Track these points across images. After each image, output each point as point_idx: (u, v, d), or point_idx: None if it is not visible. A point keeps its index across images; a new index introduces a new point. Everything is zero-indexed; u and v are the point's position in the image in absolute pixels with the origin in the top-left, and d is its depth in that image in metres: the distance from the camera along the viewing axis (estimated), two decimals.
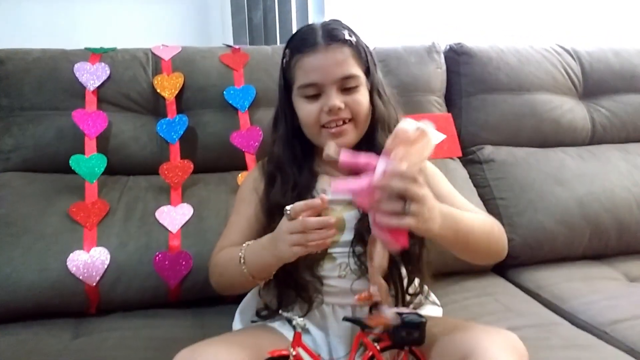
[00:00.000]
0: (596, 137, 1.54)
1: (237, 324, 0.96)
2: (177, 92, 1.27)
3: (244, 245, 0.83)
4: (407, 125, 0.71)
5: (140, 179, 1.25)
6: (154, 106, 1.29)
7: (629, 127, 1.56)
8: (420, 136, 0.70)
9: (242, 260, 0.82)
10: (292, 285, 0.86)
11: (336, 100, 0.85)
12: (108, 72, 1.26)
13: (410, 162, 0.68)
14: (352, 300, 0.82)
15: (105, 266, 1.07)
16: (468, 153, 1.46)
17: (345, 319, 0.79)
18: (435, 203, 0.72)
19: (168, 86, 1.28)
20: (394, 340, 0.73)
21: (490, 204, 1.36)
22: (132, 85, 1.28)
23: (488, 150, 1.45)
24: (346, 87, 0.86)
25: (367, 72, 0.90)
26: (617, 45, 1.63)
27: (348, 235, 0.86)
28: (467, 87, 1.49)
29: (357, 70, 0.87)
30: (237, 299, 1.01)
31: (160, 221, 1.14)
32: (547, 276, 1.27)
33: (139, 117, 1.29)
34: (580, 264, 1.32)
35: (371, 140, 0.90)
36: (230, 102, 1.28)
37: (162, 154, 1.25)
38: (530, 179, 1.38)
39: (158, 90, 1.27)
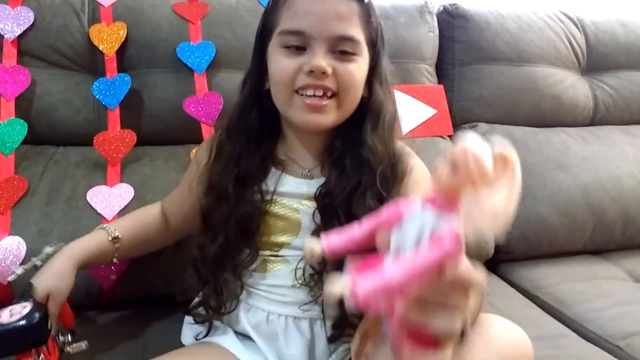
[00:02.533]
0: (598, 117, 1.41)
1: (186, 335, 0.81)
2: (118, 46, 1.04)
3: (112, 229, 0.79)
4: (476, 145, 0.35)
5: (70, 151, 1.03)
6: (90, 63, 1.07)
7: (633, 107, 1.43)
8: (504, 169, 0.37)
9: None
10: (204, 280, 0.74)
11: (322, 60, 0.65)
12: (32, 18, 1.03)
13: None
14: (308, 314, 0.71)
15: (20, 260, 0.86)
16: (460, 131, 1.29)
17: None
18: None
19: (107, 39, 1.04)
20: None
21: None
22: (62, 35, 1.05)
23: (482, 129, 1.28)
24: (340, 50, 0.66)
25: (373, 47, 0.70)
26: (624, 15, 1.49)
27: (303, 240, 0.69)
28: (461, 55, 1.32)
29: (359, 35, 0.67)
30: (186, 301, 0.82)
31: (93, 205, 0.93)
32: (546, 274, 1.14)
33: (70, 76, 1.06)
34: (581, 260, 1.20)
35: (351, 135, 0.70)
36: (185, 61, 1.06)
37: (98, 121, 1.04)
38: (529, 163, 1.22)
39: (95, 43, 1.04)
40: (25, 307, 0.63)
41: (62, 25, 1.05)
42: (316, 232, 0.70)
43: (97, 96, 1.02)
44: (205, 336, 0.75)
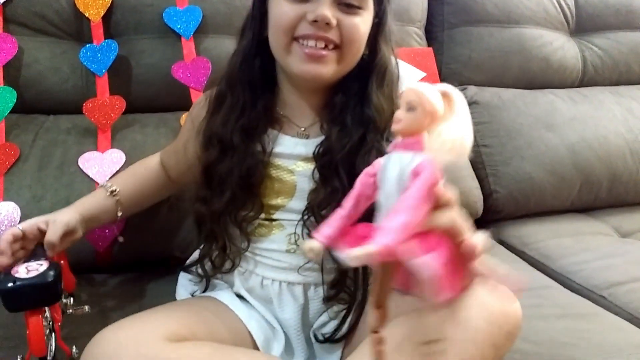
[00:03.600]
0: (587, 78, 1.41)
1: (180, 292, 0.81)
2: (104, 12, 1.04)
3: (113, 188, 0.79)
4: (423, 86, 0.41)
5: (61, 118, 1.03)
6: (76, 29, 1.06)
7: (621, 67, 1.43)
8: (449, 105, 0.42)
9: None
10: (208, 236, 0.73)
11: (328, 10, 0.62)
12: None
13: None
14: (303, 279, 0.70)
15: (16, 223, 0.87)
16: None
17: None
18: None
19: (93, 4, 1.04)
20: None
21: (473, 152, 1.15)
22: (47, 2, 1.04)
23: (471, 92, 1.29)
24: (346, 1, 0.64)
25: (379, 3, 0.69)
26: None
27: (299, 203, 0.70)
28: (450, 17, 1.32)
29: None
30: (182, 262, 0.84)
31: (85, 170, 0.94)
32: (533, 232, 1.16)
33: (57, 43, 1.05)
34: (568, 218, 1.22)
35: (353, 92, 0.69)
36: (171, 26, 1.06)
37: (87, 88, 1.04)
38: (517, 123, 1.24)
39: (81, 10, 1.03)
40: (41, 264, 0.63)
41: None
42: (314, 192, 0.68)
43: (85, 63, 1.02)
44: (203, 292, 0.75)
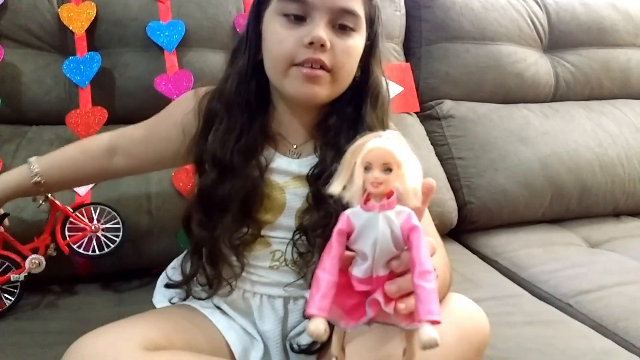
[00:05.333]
0: (559, 93, 1.46)
1: (157, 299, 0.82)
2: (87, 25, 1.06)
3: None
4: (393, 147, 0.41)
5: (43, 129, 1.04)
6: (60, 42, 1.08)
7: (593, 83, 1.48)
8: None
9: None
10: (205, 260, 0.71)
11: (323, 32, 0.63)
12: None
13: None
14: (283, 292, 0.71)
15: None
16: (426, 108, 1.34)
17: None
18: None
19: (77, 18, 1.06)
20: None
21: (449, 164, 1.26)
22: (32, 15, 1.06)
23: (447, 106, 1.33)
24: (340, 24, 0.65)
25: (371, 25, 0.70)
26: None
27: (288, 220, 0.71)
28: (428, 34, 1.36)
29: (360, 10, 0.66)
30: (160, 272, 0.85)
31: None
32: (505, 242, 1.19)
33: (41, 55, 1.07)
34: (540, 228, 1.26)
35: (346, 114, 0.70)
36: (155, 40, 1.08)
37: (70, 100, 1.05)
38: (491, 137, 1.28)
39: (65, 23, 1.05)
40: None
41: (32, 5, 1.05)
42: (307, 213, 0.68)
43: (68, 75, 1.03)
44: (182, 300, 0.75)
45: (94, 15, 1.06)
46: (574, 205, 1.28)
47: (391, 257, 0.43)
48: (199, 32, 1.12)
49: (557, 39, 1.46)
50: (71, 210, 0.89)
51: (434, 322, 0.39)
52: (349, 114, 0.70)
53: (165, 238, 0.95)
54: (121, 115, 1.06)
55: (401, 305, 0.42)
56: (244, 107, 0.70)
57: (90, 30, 1.06)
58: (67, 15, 1.06)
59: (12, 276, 0.83)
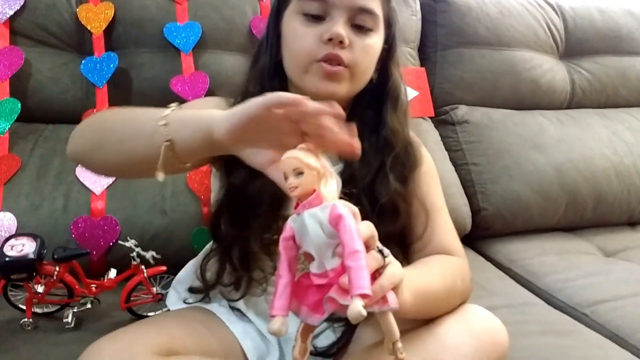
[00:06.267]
0: (575, 101, 1.45)
1: (172, 300, 0.81)
2: (105, 25, 1.07)
3: (172, 105, 0.58)
4: (300, 154, 0.47)
5: (60, 128, 1.05)
6: (78, 42, 1.09)
7: (609, 91, 1.47)
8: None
9: (164, 118, 0.54)
10: (236, 260, 0.69)
11: (342, 29, 0.64)
12: None
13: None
14: None
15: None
16: (441, 113, 1.34)
17: None
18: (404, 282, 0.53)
19: (95, 18, 1.06)
20: None
21: (463, 170, 1.25)
22: (51, 15, 1.07)
23: (462, 111, 1.32)
24: (359, 24, 0.66)
25: (388, 27, 0.70)
26: (602, 2, 1.52)
27: None
28: (443, 39, 1.36)
29: (378, 10, 0.67)
30: (173, 271, 0.85)
31: (82, 180, 0.96)
32: (520, 249, 1.18)
33: (59, 54, 1.08)
34: (554, 236, 1.25)
35: (368, 118, 0.70)
36: (171, 41, 1.09)
37: (87, 99, 1.06)
38: (506, 143, 1.27)
39: (83, 23, 1.06)
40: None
41: (51, 4, 1.06)
42: None
43: (85, 74, 1.04)
44: (197, 301, 0.75)
45: (112, 15, 1.07)
46: (589, 214, 1.27)
47: (334, 247, 0.46)
48: (215, 33, 1.12)
49: (573, 45, 1.45)
50: (146, 277, 0.82)
51: (364, 296, 0.41)
52: (370, 117, 0.70)
53: (179, 239, 0.95)
54: None
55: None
56: None
57: (108, 31, 1.07)
58: (85, 15, 1.06)
59: (65, 312, 0.81)
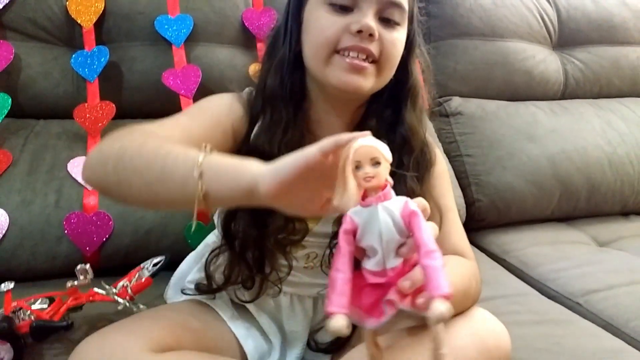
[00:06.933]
0: (568, 91, 1.45)
1: (171, 293, 0.81)
2: (96, 19, 1.05)
3: (205, 146, 0.51)
4: (378, 143, 0.44)
5: (51, 123, 1.04)
6: (68, 36, 1.07)
7: (602, 81, 1.47)
8: None
9: (198, 167, 0.48)
10: (252, 262, 0.67)
11: (372, 21, 0.62)
12: None
13: None
14: (314, 292, 0.70)
15: (4, 230, 0.88)
16: (434, 105, 1.33)
17: None
18: None
19: (85, 11, 1.05)
20: None
21: (457, 161, 1.25)
22: (40, 9, 1.05)
23: (456, 103, 1.32)
24: (387, 17, 0.64)
25: (410, 22, 0.68)
26: None
27: (325, 227, 0.67)
28: (437, 30, 1.35)
29: (406, 5, 0.65)
30: (171, 266, 0.85)
31: (74, 175, 0.95)
32: (513, 240, 1.19)
33: (49, 49, 1.07)
34: (548, 227, 1.25)
35: (386, 114, 0.68)
36: (163, 34, 1.07)
37: (78, 93, 1.05)
38: (499, 134, 1.27)
39: (73, 16, 1.05)
40: None
41: None
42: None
43: (76, 68, 1.03)
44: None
45: (102, 8, 1.06)
46: (582, 204, 1.27)
47: (399, 246, 0.44)
48: (207, 26, 1.11)
49: (566, 36, 1.45)
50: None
51: (446, 297, 0.39)
52: (387, 116, 0.69)
53: (173, 233, 0.95)
54: (129, 110, 1.06)
55: (420, 300, 0.42)
56: (288, 99, 0.67)
57: (98, 24, 1.06)
58: (75, 8, 1.05)
59: None
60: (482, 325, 0.62)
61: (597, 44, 1.47)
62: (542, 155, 1.25)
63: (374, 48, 0.63)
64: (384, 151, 0.43)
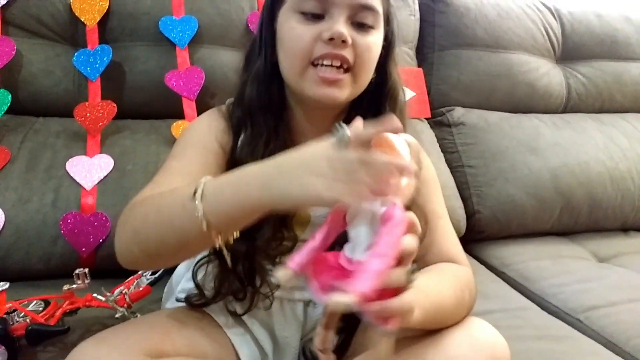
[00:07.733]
0: (570, 105, 1.45)
1: (165, 299, 0.80)
2: (99, 17, 1.04)
3: (202, 179, 0.52)
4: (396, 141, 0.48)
5: (51, 121, 1.03)
6: (71, 33, 1.06)
7: (604, 96, 1.47)
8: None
9: (198, 198, 0.50)
10: (242, 274, 0.66)
11: (343, 28, 0.61)
12: None
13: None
14: (305, 296, 0.69)
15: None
16: (437, 114, 1.33)
17: None
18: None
19: (89, 10, 1.04)
20: None
21: (458, 172, 1.24)
22: (44, 5, 1.05)
23: (458, 113, 1.32)
24: (359, 21, 0.63)
25: (387, 24, 0.67)
26: (600, 7, 1.52)
27: (311, 234, 0.68)
28: (441, 40, 1.35)
29: (379, 6, 0.64)
30: (170, 271, 0.83)
31: (72, 174, 0.94)
32: (514, 253, 1.17)
33: (51, 46, 1.06)
34: (548, 240, 1.24)
35: (370, 118, 0.67)
36: (167, 35, 1.07)
37: (79, 92, 1.04)
38: (502, 146, 1.26)
39: (77, 14, 1.04)
40: None
41: None
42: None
43: (78, 67, 1.02)
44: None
45: (107, 7, 1.05)
46: (583, 219, 1.27)
47: (370, 242, 0.44)
48: (212, 28, 1.10)
49: (570, 50, 1.45)
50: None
51: (358, 295, 0.39)
52: (369, 119, 0.68)
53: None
54: (130, 110, 1.05)
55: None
56: (267, 110, 0.67)
57: (102, 23, 1.05)
58: (79, 6, 1.04)
59: None
60: (480, 335, 0.61)
61: (600, 58, 1.47)
62: (544, 168, 1.24)
63: (348, 54, 0.62)
64: (399, 148, 0.46)
